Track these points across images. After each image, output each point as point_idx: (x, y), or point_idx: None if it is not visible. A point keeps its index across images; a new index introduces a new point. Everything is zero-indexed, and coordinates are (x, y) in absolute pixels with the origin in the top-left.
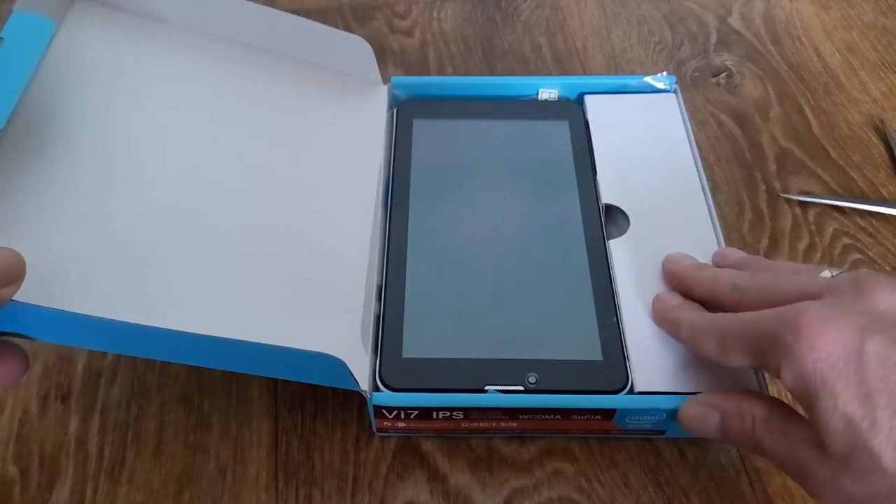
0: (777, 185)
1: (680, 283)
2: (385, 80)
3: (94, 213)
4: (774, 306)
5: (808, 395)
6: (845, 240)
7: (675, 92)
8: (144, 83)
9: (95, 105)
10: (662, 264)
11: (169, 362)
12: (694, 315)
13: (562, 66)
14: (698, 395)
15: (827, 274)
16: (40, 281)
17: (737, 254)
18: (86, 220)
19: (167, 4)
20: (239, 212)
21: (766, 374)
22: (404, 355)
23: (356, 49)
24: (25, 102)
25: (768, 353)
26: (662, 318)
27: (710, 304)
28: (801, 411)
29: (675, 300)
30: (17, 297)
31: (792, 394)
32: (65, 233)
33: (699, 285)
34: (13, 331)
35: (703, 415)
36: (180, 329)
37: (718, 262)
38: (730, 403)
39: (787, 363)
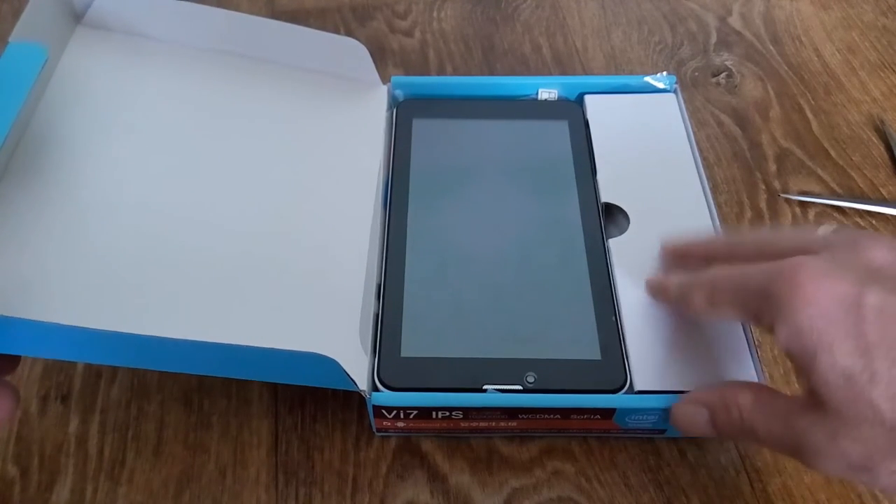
0: (777, 185)
1: (675, 250)
2: (385, 79)
3: (88, 224)
4: (769, 260)
5: (805, 352)
6: None
7: (675, 92)
8: (140, 101)
9: (93, 126)
10: (661, 245)
11: None
12: (683, 276)
13: (562, 66)
14: (685, 394)
15: (824, 230)
16: (35, 297)
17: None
18: (79, 235)
19: (166, 24)
20: (239, 213)
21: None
22: (403, 355)
23: (353, 52)
24: (20, 127)
25: (761, 307)
26: (654, 289)
27: (706, 260)
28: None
29: (668, 275)
30: (6, 312)
31: (787, 351)
32: (59, 248)
33: (696, 246)
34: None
35: (691, 414)
36: (178, 337)
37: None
38: (714, 397)
39: (782, 319)
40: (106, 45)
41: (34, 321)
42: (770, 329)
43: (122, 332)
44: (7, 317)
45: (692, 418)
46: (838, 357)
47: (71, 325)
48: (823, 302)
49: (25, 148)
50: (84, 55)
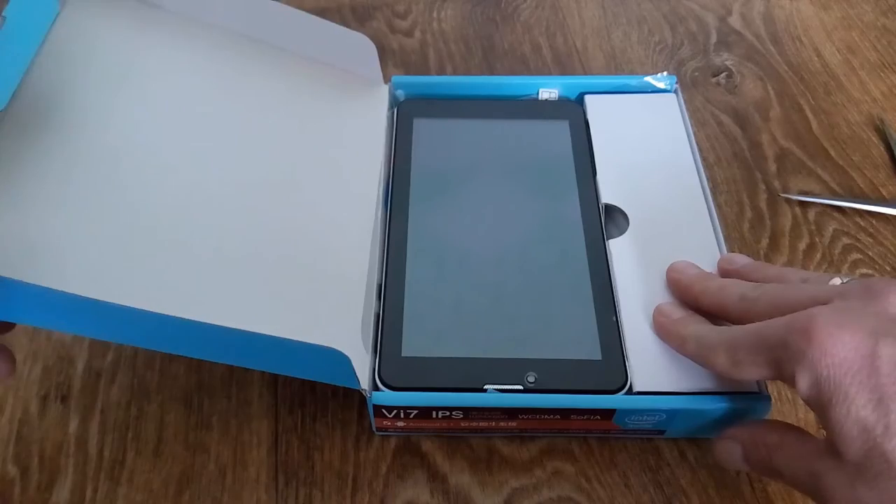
0: (777, 185)
1: (685, 292)
2: (385, 79)
3: (94, 197)
4: (783, 314)
5: (822, 401)
6: (845, 240)
7: (675, 92)
8: (146, 71)
9: (98, 90)
10: (666, 273)
11: (169, 362)
12: (700, 329)
13: (562, 66)
14: (726, 430)
15: (836, 281)
16: (38, 262)
17: (742, 259)
18: (86, 204)
19: None
20: (238, 209)
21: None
22: (404, 354)
23: (359, 46)
24: (28, 83)
25: (782, 361)
26: (666, 333)
27: (716, 316)
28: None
29: (678, 313)
30: (9, 274)
31: (807, 401)
32: (64, 214)
33: (705, 296)
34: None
35: (728, 449)
36: (178, 315)
37: (724, 268)
38: (745, 434)
39: (801, 370)
40: (109, 7)
41: (32, 285)
42: (792, 382)
43: (124, 306)
44: (3, 277)
45: (728, 452)
46: (853, 408)
47: (70, 293)
48: (839, 353)
49: (23, 102)
50: (86, 14)
